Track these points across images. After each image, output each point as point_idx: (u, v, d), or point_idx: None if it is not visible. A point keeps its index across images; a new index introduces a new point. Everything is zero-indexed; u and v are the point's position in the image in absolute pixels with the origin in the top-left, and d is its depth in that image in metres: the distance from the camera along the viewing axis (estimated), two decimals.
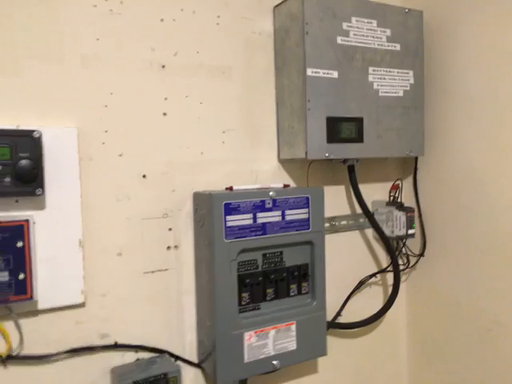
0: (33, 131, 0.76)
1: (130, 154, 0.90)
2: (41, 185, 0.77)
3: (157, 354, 0.91)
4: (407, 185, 1.23)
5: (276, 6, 1.03)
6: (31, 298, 0.76)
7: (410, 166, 1.22)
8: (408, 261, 1.22)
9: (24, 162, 0.74)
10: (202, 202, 0.92)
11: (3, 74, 0.78)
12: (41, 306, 0.80)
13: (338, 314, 1.15)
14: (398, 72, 1.06)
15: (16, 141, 0.74)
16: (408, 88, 1.08)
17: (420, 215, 1.20)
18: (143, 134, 0.91)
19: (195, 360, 0.96)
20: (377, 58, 1.03)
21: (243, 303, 0.91)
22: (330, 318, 1.12)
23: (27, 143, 0.75)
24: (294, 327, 0.95)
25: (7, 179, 0.74)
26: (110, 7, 0.87)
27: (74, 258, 0.82)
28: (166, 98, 0.93)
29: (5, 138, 0.74)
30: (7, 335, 0.77)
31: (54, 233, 0.81)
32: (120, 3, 0.88)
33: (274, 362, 0.92)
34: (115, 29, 0.87)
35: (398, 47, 1.06)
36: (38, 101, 0.81)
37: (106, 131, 0.87)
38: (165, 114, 0.93)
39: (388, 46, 1.05)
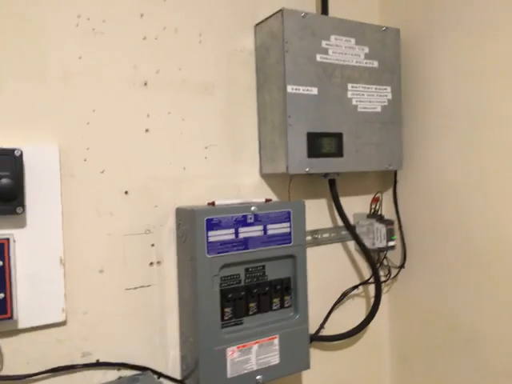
0: (14, 150, 0.76)
1: (112, 171, 0.90)
2: (21, 203, 0.76)
3: (139, 372, 0.91)
4: (387, 197, 1.26)
5: (257, 24, 1.05)
6: (11, 317, 0.76)
7: (389, 178, 1.25)
8: (389, 272, 1.24)
9: (4, 181, 0.74)
10: (185, 218, 0.92)
11: None
12: (21, 325, 0.79)
13: (321, 326, 1.16)
14: (376, 88, 1.09)
15: None
16: (386, 104, 1.11)
17: (400, 227, 1.22)
18: (125, 150, 0.92)
19: (178, 376, 0.96)
20: (355, 74, 1.06)
21: (226, 318, 0.91)
22: (313, 330, 1.13)
23: (8, 162, 0.75)
24: (276, 341, 0.95)
25: None
26: (92, 26, 0.88)
27: (55, 276, 0.82)
28: (148, 115, 0.94)
29: None
30: None
31: (35, 251, 0.80)
32: (102, 22, 0.89)
33: (258, 377, 0.93)
34: (97, 47, 0.88)
35: (375, 64, 1.09)
36: (19, 119, 0.81)
37: (87, 148, 0.88)
38: (147, 130, 0.94)
39: (366, 62, 1.08)
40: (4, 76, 0.80)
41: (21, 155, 0.76)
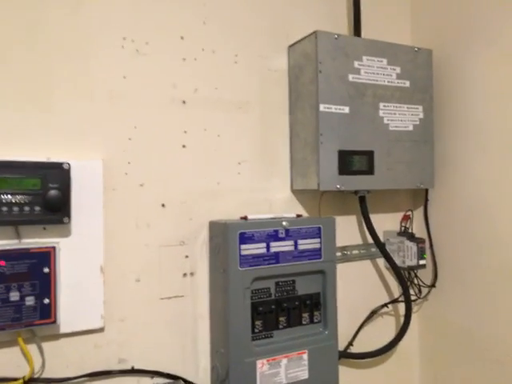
0: (62, 163, 0.81)
1: (150, 184, 0.94)
2: (68, 213, 0.81)
3: (171, 380, 0.93)
4: (418, 215, 1.26)
5: (291, 45, 1.09)
6: (54, 322, 0.80)
7: (420, 196, 1.25)
8: (420, 291, 1.23)
9: (53, 192, 0.79)
10: (218, 231, 0.95)
11: (37, 110, 0.85)
12: (62, 329, 0.84)
13: (350, 343, 1.16)
14: (407, 107, 1.11)
15: (46, 172, 0.80)
16: (418, 122, 1.12)
17: (431, 246, 1.22)
18: (163, 164, 0.96)
19: None
20: (387, 94, 1.08)
21: (256, 331, 0.93)
22: (341, 347, 1.13)
23: (57, 174, 0.80)
24: (305, 356, 0.96)
25: (37, 208, 0.79)
26: (136, 48, 0.93)
27: (95, 284, 0.86)
28: (185, 131, 0.98)
29: (37, 169, 0.79)
30: (30, 358, 0.81)
31: (78, 259, 0.85)
32: (146, 44, 0.94)
33: None
34: (141, 67, 0.94)
35: (407, 84, 1.11)
36: (67, 134, 0.87)
37: (129, 162, 0.92)
38: (184, 146, 0.98)
39: (398, 82, 1.09)
40: (55, 95, 0.86)
41: (69, 169, 0.82)
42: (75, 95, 0.88)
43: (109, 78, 0.91)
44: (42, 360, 0.83)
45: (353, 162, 1.04)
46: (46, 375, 0.83)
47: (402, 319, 1.19)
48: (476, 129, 1.10)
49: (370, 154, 1.06)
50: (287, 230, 0.95)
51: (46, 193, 0.79)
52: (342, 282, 1.08)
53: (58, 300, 0.81)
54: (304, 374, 0.96)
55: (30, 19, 0.84)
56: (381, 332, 1.20)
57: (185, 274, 0.97)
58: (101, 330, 0.87)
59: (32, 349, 0.82)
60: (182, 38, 0.98)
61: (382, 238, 1.20)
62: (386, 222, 1.23)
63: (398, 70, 1.09)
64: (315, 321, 0.99)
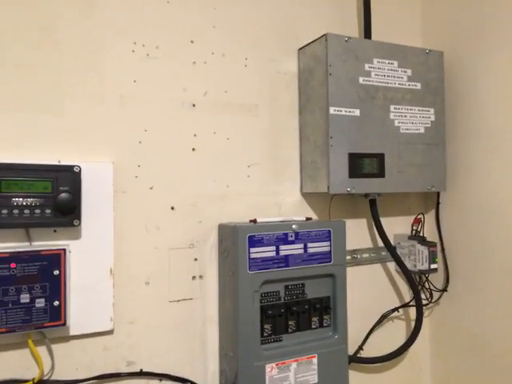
0: (73, 166, 0.82)
1: (160, 187, 0.95)
2: (78, 216, 0.82)
3: (180, 383, 0.93)
4: (429, 219, 1.24)
5: (300, 48, 1.09)
6: (64, 324, 0.80)
7: (432, 200, 1.23)
8: (431, 295, 1.21)
9: (64, 195, 0.80)
10: (227, 234, 0.95)
11: (48, 113, 0.85)
12: (72, 332, 0.84)
13: (360, 348, 1.14)
14: (418, 110, 1.09)
15: (57, 175, 0.80)
16: (429, 125, 1.11)
17: (443, 250, 1.20)
18: (173, 167, 0.96)
19: None
20: (398, 96, 1.07)
21: (265, 334, 0.92)
22: (351, 351, 1.12)
23: (67, 177, 0.81)
24: (315, 360, 0.95)
25: (48, 211, 0.79)
26: (146, 52, 0.94)
27: (104, 286, 0.86)
28: (195, 135, 0.98)
29: (48, 172, 0.80)
30: (40, 360, 0.81)
31: (88, 261, 0.85)
32: (156, 48, 0.94)
33: None
34: (151, 71, 0.94)
35: (418, 86, 1.10)
36: (78, 137, 0.87)
37: (139, 166, 0.93)
38: (194, 149, 0.98)
39: (409, 85, 1.08)
40: (66, 98, 0.87)
41: (79, 171, 0.82)
42: (86, 99, 0.88)
43: (119, 81, 0.91)
44: (51, 362, 0.83)
45: (363, 164, 1.03)
46: (55, 377, 0.83)
47: (412, 324, 1.18)
48: (488, 131, 1.09)
49: (380, 157, 1.05)
50: (297, 234, 0.95)
51: (56, 195, 0.80)
52: (352, 285, 1.07)
53: (68, 302, 0.81)
54: (313, 379, 0.95)
55: (41, 24, 0.85)
56: (391, 336, 1.19)
57: (194, 277, 0.97)
58: (110, 332, 0.88)
59: (42, 351, 0.82)
60: (192, 41, 0.98)
61: (392, 242, 1.18)
62: (396, 226, 1.22)
63: (409, 72, 1.08)
64: (325, 325, 0.99)
